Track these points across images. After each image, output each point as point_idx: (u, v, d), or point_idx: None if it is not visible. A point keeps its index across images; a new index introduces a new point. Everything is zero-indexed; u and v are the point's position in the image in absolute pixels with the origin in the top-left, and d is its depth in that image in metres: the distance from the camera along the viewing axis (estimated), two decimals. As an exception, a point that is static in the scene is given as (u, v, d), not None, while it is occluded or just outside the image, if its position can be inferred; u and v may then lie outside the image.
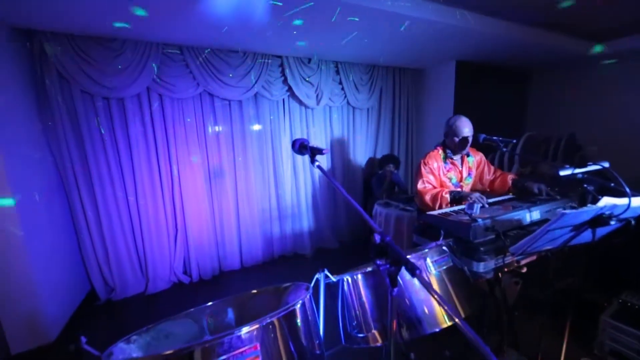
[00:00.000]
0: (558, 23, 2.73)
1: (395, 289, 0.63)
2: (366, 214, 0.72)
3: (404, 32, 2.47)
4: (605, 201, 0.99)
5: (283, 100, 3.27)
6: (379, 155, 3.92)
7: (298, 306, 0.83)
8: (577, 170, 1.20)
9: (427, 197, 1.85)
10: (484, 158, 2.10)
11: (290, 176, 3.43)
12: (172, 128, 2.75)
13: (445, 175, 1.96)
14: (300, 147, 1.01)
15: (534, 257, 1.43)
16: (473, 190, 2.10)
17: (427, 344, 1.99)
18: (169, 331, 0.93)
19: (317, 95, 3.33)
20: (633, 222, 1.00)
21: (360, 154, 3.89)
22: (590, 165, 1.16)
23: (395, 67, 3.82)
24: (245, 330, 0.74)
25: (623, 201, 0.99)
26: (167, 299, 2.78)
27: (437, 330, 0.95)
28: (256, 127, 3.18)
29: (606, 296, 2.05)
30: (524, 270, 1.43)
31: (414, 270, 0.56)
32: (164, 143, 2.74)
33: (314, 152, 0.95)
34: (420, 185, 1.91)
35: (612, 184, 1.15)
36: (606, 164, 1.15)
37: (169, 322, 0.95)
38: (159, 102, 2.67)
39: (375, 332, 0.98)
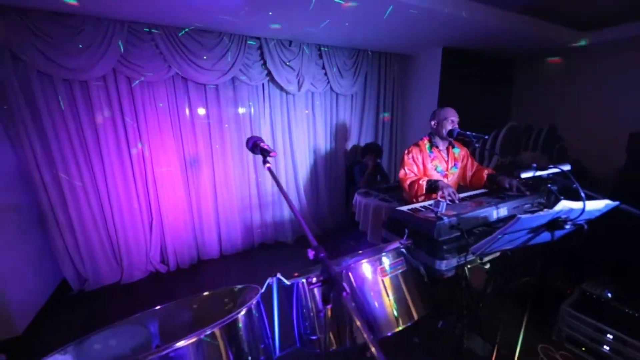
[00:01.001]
0: (544, 10, 2.65)
1: (329, 305, 0.60)
2: (302, 218, 0.68)
3: (388, 16, 2.35)
4: (562, 205, 0.98)
5: (263, 85, 3.13)
6: (363, 143, 3.87)
7: (242, 314, 0.81)
8: (539, 173, 1.19)
9: (407, 185, 1.91)
10: (468, 152, 2.10)
11: (270, 163, 3.35)
12: (142, 113, 2.61)
13: (430, 164, 1.97)
14: (254, 146, 0.96)
15: (497, 254, 1.45)
16: (458, 183, 2.12)
17: (396, 331, 2.06)
18: (114, 338, 0.90)
19: (298, 81, 3.20)
20: (586, 226, 1.00)
21: (344, 142, 3.82)
22: (550, 167, 1.15)
23: (381, 52, 3.69)
24: (181, 343, 0.71)
25: (580, 205, 0.98)
26: (143, 289, 2.76)
27: (389, 334, 0.95)
28: (234, 113, 3.06)
29: (570, 284, 2.13)
30: (487, 266, 1.45)
31: (340, 292, 0.53)
32: (134, 129, 2.61)
33: (263, 153, 0.89)
34: (401, 173, 1.96)
35: (575, 185, 1.14)
36: (567, 167, 1.14)
37: (115, 329, 0.92)
38: (127, 85, 2.51)
39: (330, 334, 0.97)
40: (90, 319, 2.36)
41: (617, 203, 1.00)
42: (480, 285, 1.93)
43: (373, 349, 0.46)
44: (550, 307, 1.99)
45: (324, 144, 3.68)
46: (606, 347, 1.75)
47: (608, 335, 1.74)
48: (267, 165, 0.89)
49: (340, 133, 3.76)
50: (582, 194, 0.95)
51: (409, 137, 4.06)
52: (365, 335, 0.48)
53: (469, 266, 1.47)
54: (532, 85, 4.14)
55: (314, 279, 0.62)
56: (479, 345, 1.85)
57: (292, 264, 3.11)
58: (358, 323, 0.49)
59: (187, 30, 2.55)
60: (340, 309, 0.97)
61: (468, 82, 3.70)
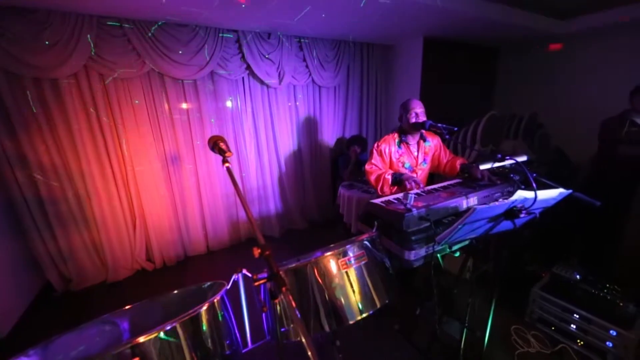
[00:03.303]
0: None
1: (276, 299, 0.63)
2: (254, 220, 0.70)
3: (363, 6, 2.33)
4: (518, 194, 1.02)
5: (242, 79, 3.09)
6: (348, 135, 3.88)
7: (203, 309, 0.83)
8: (496, 164, 1.22)
9: (372, 178, 1.91)
10: (440, 142, 2.12)
11: (254, 158, 3.34)
12: (118, 111, 2.56)
13: (398, 160, 1.98)
14: (214, 145, 0.96)
15: (467, 242, 1.50)
16: (432, 173, 2.15)
17: (377, 319, 2.14)
18: (82, 338, 0.91)
19: (279, 74, 3.16)
20: (538, 216, 1.05)
21: (328, 134, 3.82)
22: (508, 159, 1.19)
23: (362, 43, 3.66)
24: (141, 339, 0.73)
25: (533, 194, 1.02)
26: (130, 287, 2.77)
27: (352, 322, 0.98)
28: (215, 108, 3.02)
29: (545, 268, 2.22)
30: (457, 255, 1.50)
31: (278, 290, 0.55)
32: (111, 127, 2.57)
33: (221, 152, 0.90)
34: (367, 166, 1.97)
35: (535, 174, 1.18)
36: (522, 158, 1.18)
37: (83, 330, 0.94)
38: (100, 82, 2.45)
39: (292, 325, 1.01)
40: (75, 318, 2.35)
41: (569, 191, 1.04)
42: (455, 271, 2.00)
43: (310, 353, 0.49)
44: (525, 291, 2.08)
45: (308, 137, 3.67)
46: (573, 326, 1.85)
47: (575, 315, 1.84)
48: (226, 164, 0.89)
49: (324, 126, 3.75)
50: (534, 184, 0.99)
51: (393, 128, 4.07)
52: (300, 334, 0.50)
53: (439, 255, 1.52)
54: (516, 74, 4.18)
55: (259, 276, 0.64)
56: (456, 329, 1.93)
57: (279, 257, 3.15)
58: (295, 319, 0.52)
59: (159, 24, 2.48)
60: (305, 302, 1.00)
61: (450, 72, 3.71)
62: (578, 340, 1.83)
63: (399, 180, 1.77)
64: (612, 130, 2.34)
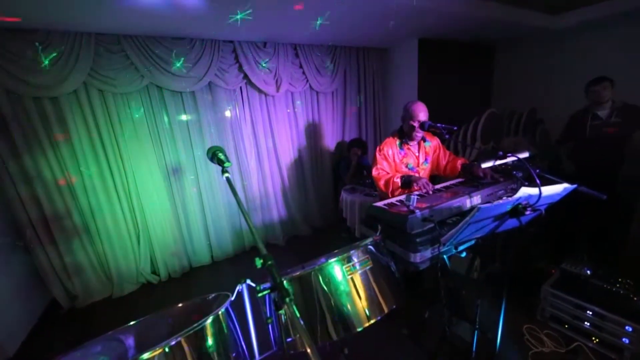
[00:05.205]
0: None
1: (280, 310, 0.61)
2: (255, 229, 0.69)
3: (355, 11, 2.35)
4: (522, 192, 1.00)
5: (240, 88, 3.11)
6: (348, 139, 3.88)
7: (208, 322, 0.82)
8: (498, 162, 1.21)
9: (381, 183, 1.91)
10: (439, 143, 2.12)
11: (255, 166, 3.35)
12: (118, 125, 2.58)
13: (401, 161, 1.98)
14: (213, 156, 0.96)
15: (473, 242, 1.48)
16: (432, 174, 2.14)
17: (384, 323, 2.10)
18: (87, 357, 0.90)
19: (276, 82, 3.18)
20: (543, 213, 1.03)
21: (329, 139, 3.83)
22: (509, 155, 1.18)
23: (358, 47, 3.68)
24: (146, 355, 0.72)
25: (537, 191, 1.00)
26: (135, 301, 2.75)
27: (360, 329, 0.96)
28: (214, 118, 3.04)
29: (554, 265, 2.18)
30: (463, 255, 1.48)
31: (282, 300, 0.54)
32: (111, 141, 2.58)
33: (219, 162, 0.90)
34: (374, 172, 1.96)
35: (538, 170, 1.17)
36: (524, 155, 1.17)
37: (87, 348, 0.92)
38: (99, 98, 2.48)
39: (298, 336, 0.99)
40: (82, 335, 2.35)
41: (574, 186, 1.03)
42: (462, 272, 1.97)
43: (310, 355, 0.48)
44: (535, 289, 2.04)
45: (308, 143, 3.68)
46: (587, 323, 1.80)
47: (588, 312, 1.79)
48: (226, 175, 0.89)
49: (324, 130, 3.76)
50: (537, 180, 0.97)
51: (393, 129, 4.07)
52: (305, 344, 0.49)
53: (445, 256, 1.50)
54: (512, 70, 4.17)
55: (263, 286, 0.63)
56: (466, 331, 1.89)
57: (284, 265, 3.13)
58: (299, 329, 0.50)
59: (155, 37, 2.52)
60: (311, 310, 0.99)
61: (447, 72, 3.71)
62: (593, 338, 1.78)
63: (408, 182, 1.77)
64: (579, 124, 2.32)
